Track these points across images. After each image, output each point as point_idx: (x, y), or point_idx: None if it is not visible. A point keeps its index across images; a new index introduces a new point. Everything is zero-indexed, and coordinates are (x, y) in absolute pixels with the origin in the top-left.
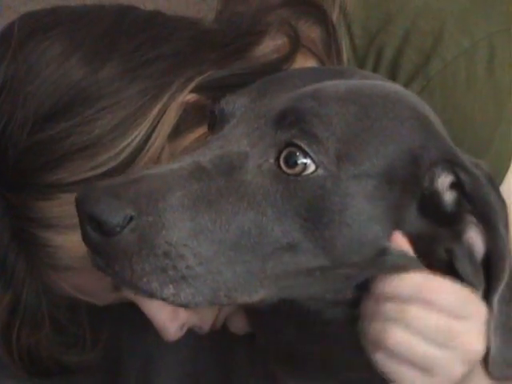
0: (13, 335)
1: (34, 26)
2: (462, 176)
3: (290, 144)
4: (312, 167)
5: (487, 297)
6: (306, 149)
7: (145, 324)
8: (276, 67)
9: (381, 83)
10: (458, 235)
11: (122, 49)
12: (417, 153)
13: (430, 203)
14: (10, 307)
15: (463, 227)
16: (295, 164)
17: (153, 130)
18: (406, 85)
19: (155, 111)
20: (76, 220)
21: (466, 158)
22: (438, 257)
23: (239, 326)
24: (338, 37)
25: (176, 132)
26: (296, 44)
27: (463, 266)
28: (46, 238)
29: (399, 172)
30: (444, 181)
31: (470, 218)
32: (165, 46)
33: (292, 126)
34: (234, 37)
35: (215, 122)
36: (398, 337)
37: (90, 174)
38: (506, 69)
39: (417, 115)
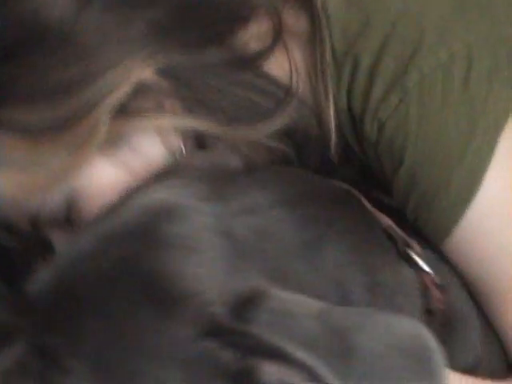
0: None
1: None
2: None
3: None
4: None
5: None
6: None
7: None
8: (251, 62)
9: None
10: None
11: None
12: None
13: None
14: None
15: None
16: None
17: (104, 95)
18: (384, 96)
19: (114, 75)
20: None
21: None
22: None
23: None
24: (323, 27)
25: (122, 110)
26: (276, 38)
27: None
28: None
29: None
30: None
31: None
32: (147, 10)
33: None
34: (218, 18)
35: None
36: None
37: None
38: (482, 82)
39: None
